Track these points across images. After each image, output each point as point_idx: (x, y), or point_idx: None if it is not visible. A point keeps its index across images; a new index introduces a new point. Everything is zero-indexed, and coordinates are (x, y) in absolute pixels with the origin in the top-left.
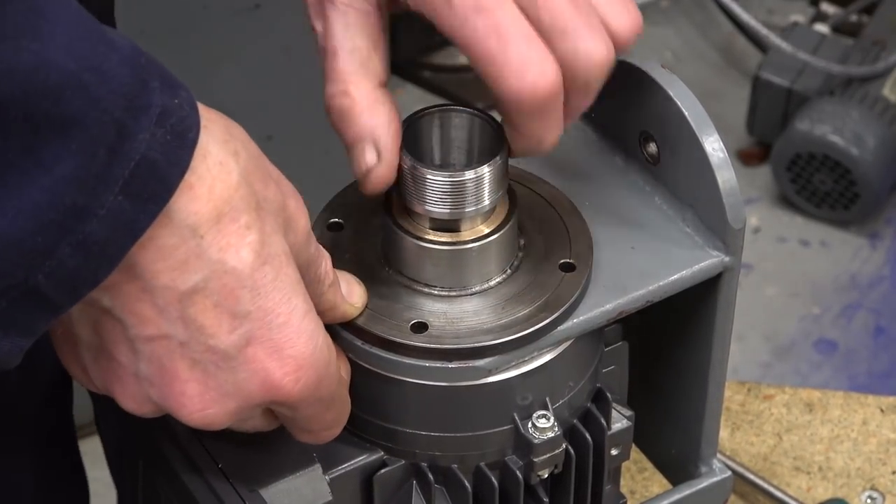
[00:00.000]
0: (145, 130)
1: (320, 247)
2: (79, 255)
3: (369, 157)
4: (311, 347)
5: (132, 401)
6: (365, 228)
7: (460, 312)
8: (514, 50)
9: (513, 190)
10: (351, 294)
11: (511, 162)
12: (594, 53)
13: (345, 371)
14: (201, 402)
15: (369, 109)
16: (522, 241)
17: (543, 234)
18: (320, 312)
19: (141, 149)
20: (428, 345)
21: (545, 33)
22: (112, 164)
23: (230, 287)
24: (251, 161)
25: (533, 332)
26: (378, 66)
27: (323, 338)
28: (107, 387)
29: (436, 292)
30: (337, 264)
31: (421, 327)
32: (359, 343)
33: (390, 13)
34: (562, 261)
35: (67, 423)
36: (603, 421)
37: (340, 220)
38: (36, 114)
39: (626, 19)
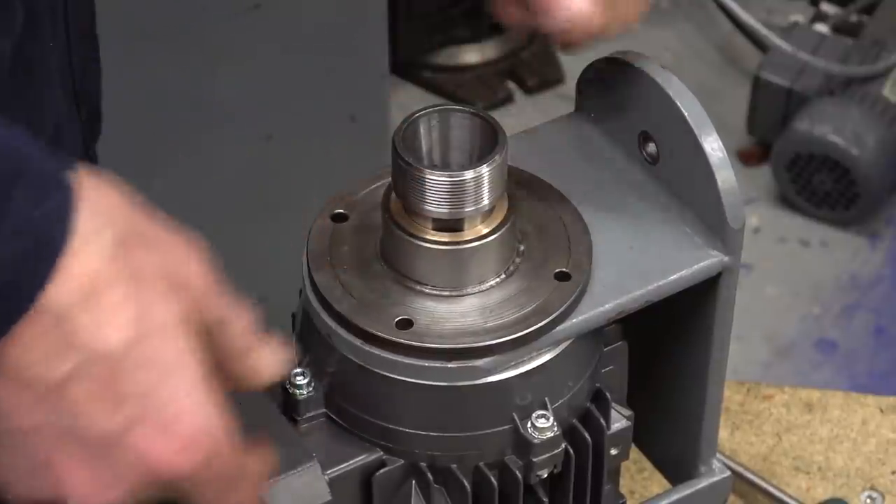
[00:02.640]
0: (5, 246)
1: (237, 305)
2: None
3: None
4: (199, 422)
5: (27, 497)
6: (367, 222)
7: (448, 312)
8: None
9: (513, 192)
10: (267, 363)
11: (511, 162)
12: None
13: (256, 458)
14: (94, 489)
15: None
16: (522, 247)
17: (544, 240)
18: (232, 375)
19: None
20: (409, 341)
21: None
22: None
23: (106, 370)
24: (127, 227)
25: (518, 337)
26: None
27: (216, 410)
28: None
29: (428, 290)
30: (335, 255)
31: (406, 324)
32: (359, 343)
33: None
34: (558, 269)
35: None
36: (602, 421)
37: (345, 212)
38: None
39: None
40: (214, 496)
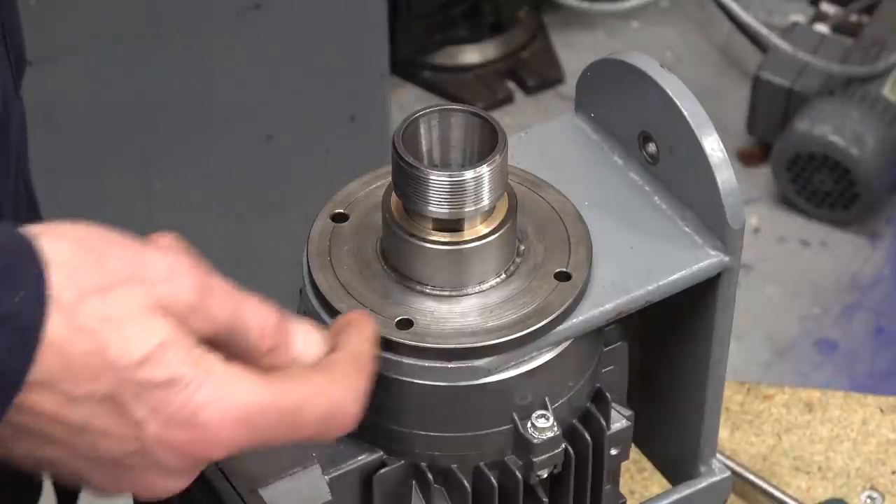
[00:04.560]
0: None
1: (249, 313)
2: None
3: None
4: (230, 410)
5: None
6: (367, 222)
7: (448, 313)
8: None
9: (513, 192)
10: (307, 349)
11: (511, 162)
12: None
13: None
14: (156, 489)
15: None
16: (522, 248)
17: (544, 241)
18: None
19: None
20: (409, 342)
21: None
22: None
23: (113, 402)
24: (96, 269)
25: (518, 337)
26: None
27: (245, 387)
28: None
29: (428, 291)
30: (335, 256)
31: (406, 324)
32: None
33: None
34: (558, 269)
35: None
36: (602, 421)
37: (345, 212)
38: None
39: None
40: (309, 437)
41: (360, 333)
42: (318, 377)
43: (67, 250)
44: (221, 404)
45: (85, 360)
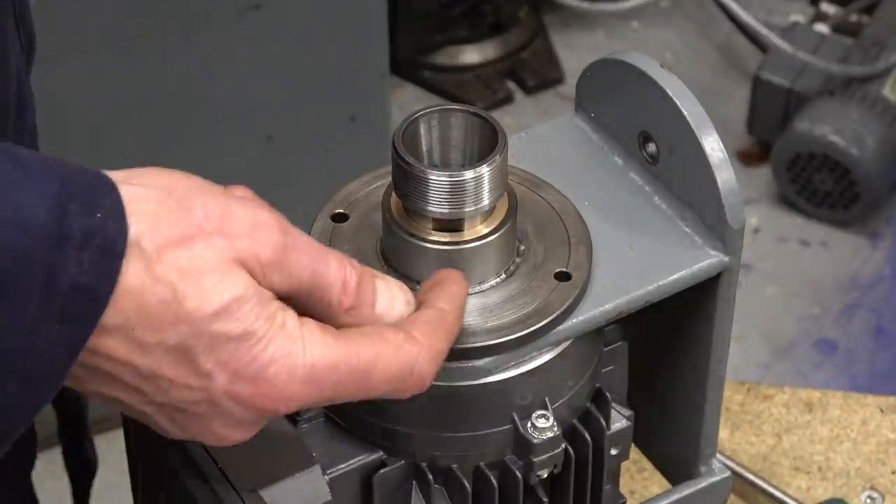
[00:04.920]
0: (71, 259)
1: (331, 270)
2: (21, 387)
3: None
4: (275, 371)
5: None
6: (367, 222)
7: None
8: None
9: (513, 193)
10: (391, 307)
11: (511, 162)
12: None
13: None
14: (225, 437)
15: None
16: (522, 248)
17: (544, 241)
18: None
19: (70, 279)
20: None
21: None
22: (46, 302)
23: (184, 348)
24: (175, 223)
25: (518, 337)
26: None
27: (316, 341)
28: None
29: None
30: None
31: None
32: None
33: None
34: (558, 269)
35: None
36: (602, 421)
37: (345, 212)
38: None
39: None
40: (382, 395)
41: (449, 291)
42: (395, 335)
43: (151, 198)
44: (291, 361)
45: (160, 309)
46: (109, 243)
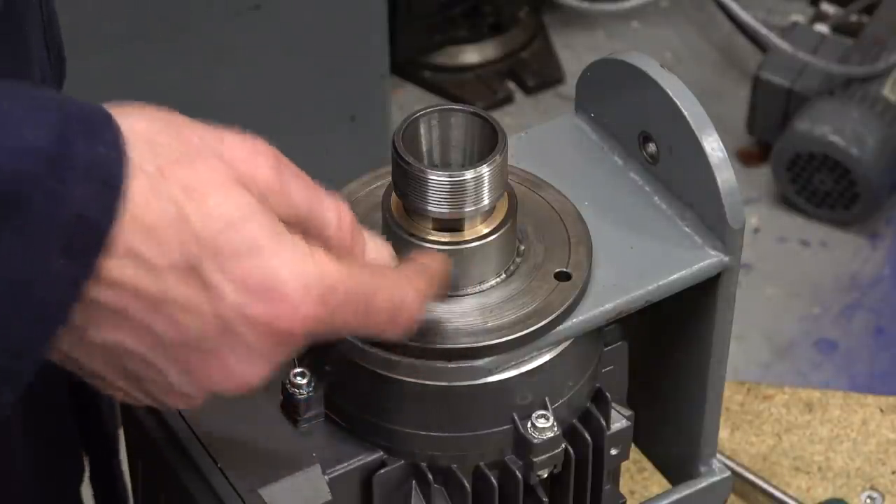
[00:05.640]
0: (75, 189)
1: (327, 208)
2: (26, 321)
3: None
4: (304, 277)
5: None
6: (367, 222)
7: (448, 313)
8: None
9: (513, 193)
10: (380, 256)
11: (511, 162)
12: None
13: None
14: (241, 373)
15: None
16: (522, 248)
17: (544, 240)
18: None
19: (75, 210)
20: (408, 341)
21: None
22: (50, 232)
23: (193, 270)
24: (174, 141)
25: (518, 337)
26: None
27: (318, 262)
28: (156, 402)
29: None
30: None
31: None
32: (359, 342)
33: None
34: (558, 269)
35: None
36: (602, 421)
37: None
38: None
39: None
40: (376, 327)
41: (431, 255)
42: (391, 272)
43: (146, 126)
44: (303, 276)
45: (166, 228)
46: (112, 174)
